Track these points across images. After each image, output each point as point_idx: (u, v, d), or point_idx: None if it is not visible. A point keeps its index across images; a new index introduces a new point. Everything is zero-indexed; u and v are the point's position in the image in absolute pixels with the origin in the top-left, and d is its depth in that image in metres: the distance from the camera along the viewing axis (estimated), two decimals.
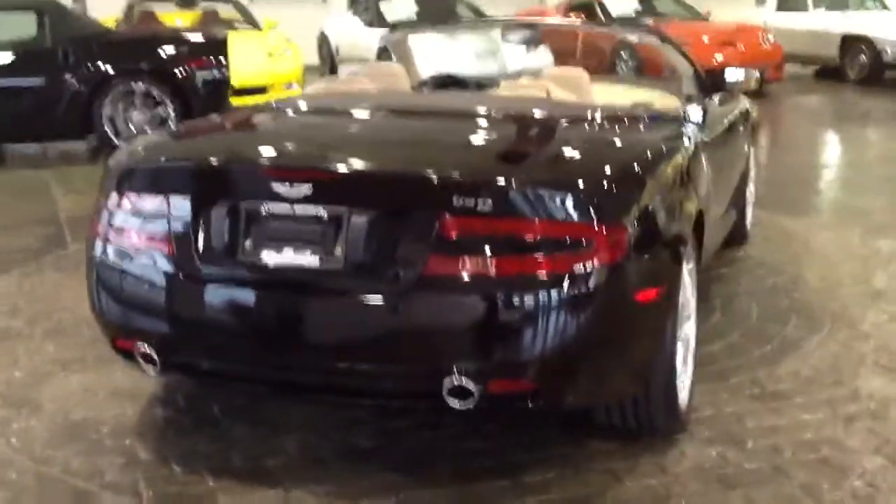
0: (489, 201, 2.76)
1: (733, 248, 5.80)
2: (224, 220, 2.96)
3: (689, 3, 15.74)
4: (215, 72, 9.54)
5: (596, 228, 2.83)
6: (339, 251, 2.85)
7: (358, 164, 2.96)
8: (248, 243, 2.94)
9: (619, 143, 3.44)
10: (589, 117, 3.56)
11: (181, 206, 3.01)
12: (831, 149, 10.80)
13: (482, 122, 3.54)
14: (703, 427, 3.54)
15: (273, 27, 13.28)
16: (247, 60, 10.28)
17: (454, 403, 2.82)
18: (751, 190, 6.09)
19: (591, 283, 2.81)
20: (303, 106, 3.81)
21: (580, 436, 3.43)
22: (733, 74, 4.96)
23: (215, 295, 2.97)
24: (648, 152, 3.35)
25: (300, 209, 2.88)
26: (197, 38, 9.87)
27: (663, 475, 3.20)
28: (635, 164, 3.18)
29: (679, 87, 4.85)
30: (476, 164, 3.03)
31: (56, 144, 9.80)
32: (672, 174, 3.38)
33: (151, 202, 3.06)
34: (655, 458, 3.30)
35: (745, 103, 5.70)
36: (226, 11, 14.16)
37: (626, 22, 14.38)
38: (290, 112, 3.76)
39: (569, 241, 2.80)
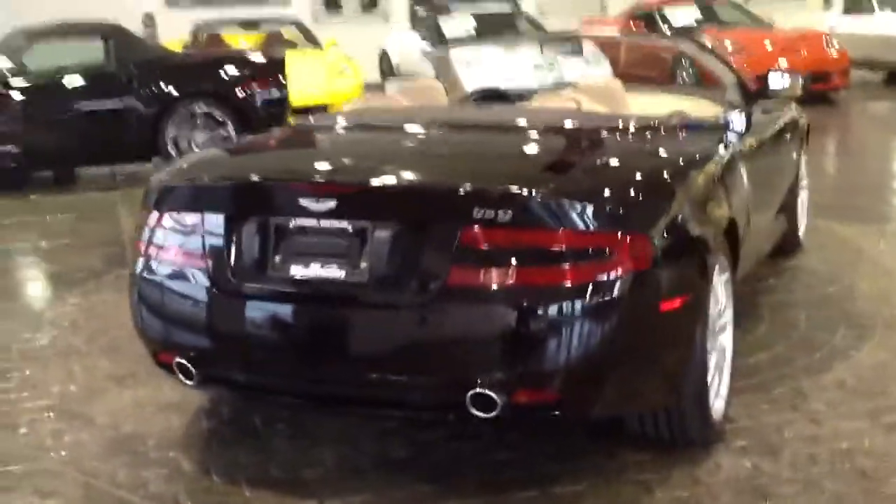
0: (510, 212, 2.81)
1: (785, 258, 5.75)
2: (255, 236, 3.05)
3: (752, 11, 15.58)
4: (275, 91, 9.74)
5: (618, 238, 2.86)
6: (363, 264, 2.92)
7: (380, 178, 3.04)
8: (277, 258, 3.03)
9: (644, 153, 3.45)
10: (617, 127, 3.58)
11: (215, 222, 3.11)
12: None
13: (507, 134, 3.59)
14: (739, 437, 3.52)
15: (332, 46, 13.50)
16: (306, 79, 10.48)
17: (479, 413, 2.86)
18: (803, 199, 6.02)
19: (614, 293, 2.83)
20: (336, 122, 3.89)
21: (610, 445, 3.44)
22: (777, 81, 4.92)
23: (247, 309, 3.07)
24: (675, 162, 3.37)
25: (325, 224, 2.96)
26: (257, 58, 10.08)
27: (696, 486, 3.20)
28: (660, 173, 3.20)
29: (723, 96, 4.84)
30: (497, 175, 3.06)
31: (125, 166, 10.08)
32: (700, 184, 3.38)
33: (187, 219, 3.17)
34: (688, 469, 3.29)
35: (793, 111, 5.65)
36: (289, 32, 14.46)
37: (687, 32, 14.33)
38: (322, 129, 3.85)
39: (591, 251, 2.83)
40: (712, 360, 3.39)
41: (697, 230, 3.22)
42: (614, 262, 2.84)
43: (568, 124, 3.59)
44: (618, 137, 3.55)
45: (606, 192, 2.93)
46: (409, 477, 3.29)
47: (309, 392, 3.14)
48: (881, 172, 9.18)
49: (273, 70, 9.76)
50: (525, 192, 2.84)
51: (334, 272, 2.96)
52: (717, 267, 3.39)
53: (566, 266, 2.81)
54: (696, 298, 3.14)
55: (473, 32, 14.27)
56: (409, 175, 3.14)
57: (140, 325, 3.34)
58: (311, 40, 13.94)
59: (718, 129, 4.15)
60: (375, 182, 3.01)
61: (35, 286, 6.45)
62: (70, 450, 3.61)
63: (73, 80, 9.38)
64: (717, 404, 3.51)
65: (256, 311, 3.06)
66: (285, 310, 3.03)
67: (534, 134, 3.58)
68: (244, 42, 14.29)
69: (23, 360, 4.61)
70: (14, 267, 6.85)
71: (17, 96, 9.25)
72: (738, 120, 4.41)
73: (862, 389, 3.91)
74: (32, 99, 9.28)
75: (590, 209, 2.84)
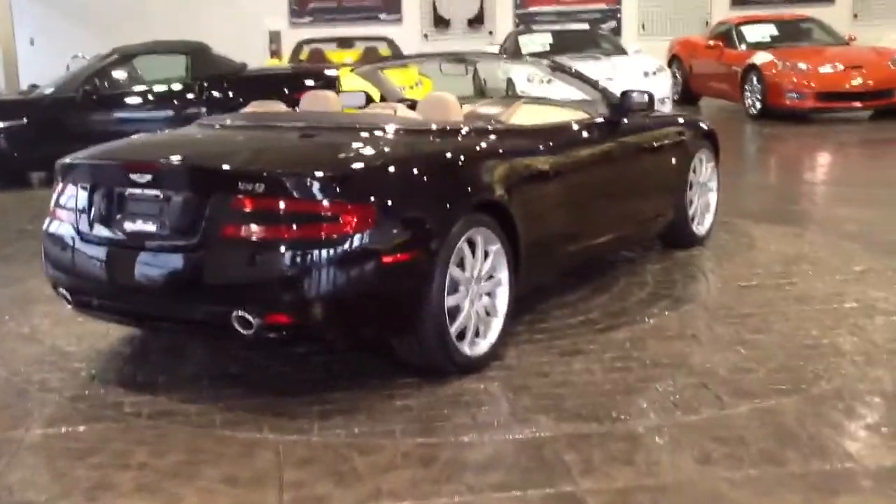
0: (262, 186, 3.96)
1: (681, 250, 6.61)
2: (104, 201, 4.33)
3: (833, 29, 15.97)
4: None
5: (343, 207, 3.95)
6: (167, 221, 4.14)
7: (179, 161, 4.29)
8: (118, 216, 4.29)
9: (396, 147, 4.48)
10: (400, 130, 4.66)
11: (84, 191, 4.40)
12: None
13: (312, 133, 4.70)
14: (494, 370, 4.50)
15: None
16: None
17: (242, 331, 4.01)
18: (707, 200, 6.85)
19: (337, 247, 3.92)
20: (214, 122, 5.14)
21: (406, 373, 4.43)
22: (636, 97, 5.85)
23: (97, 253, 4.34)
24: (415, 153, 4.42)
25: (146, 192, 4.21)
26: (313, 74, 11.53)
27: (427, 397, 4.20)
28: (394, 162, 4.27)
29: (596, 108, 5.87)
30: (263, 161, 4.23)
31: None
32: (441, 171, 4.41)
33: (70, 188, 4.48)
34: (433, 388, 4.29)
35: (680, 125, 6.54)
36: (384, 49, 15.90)
37: (762, 46, 15.01)
38: (201, 125, 5.15)
39: (322, 215, 3.94)
40: (467, 309, 4.40)
41: (429, 210, 4.20)
42: (338, 225, 3.93)
43: (365, 126, 4.69)
44: (390, 136, 4.59)
45: (337, 173, 4.03)
46: (224, 383, 4.45)
47: (137, 312, 4.39)
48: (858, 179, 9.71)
49: (325, 85, 11.13)
50: (270, 172, 4.00)
51: (150, 227, 4.19)
52: (476, 239, 4.42)
53: (304, 225, 3.93)
54: (424, 259, 4.13)
55: (548, 48, 15.29)
56: (201, 160, 4.35)
57: (43, 266, 4.67)
58: (398, 56, 15.28)
59: (528, 133, 5.16)
60: (175, 163, 4.27)
61: None
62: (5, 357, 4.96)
63: (158, 89, 11.15)
64: (483, 345, 4.52)
65: (102, 254, 4.33)
66: (121, 253, 4.28)
67: (333, 133, 4.66)
68: (349, 58, 15.83)
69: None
70: None
71: (129, 100, 11.17)
72: (563, 127, 5.45)
73: (622, 345, 4.81)
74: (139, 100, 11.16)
75: (319, 185, 3.94)
